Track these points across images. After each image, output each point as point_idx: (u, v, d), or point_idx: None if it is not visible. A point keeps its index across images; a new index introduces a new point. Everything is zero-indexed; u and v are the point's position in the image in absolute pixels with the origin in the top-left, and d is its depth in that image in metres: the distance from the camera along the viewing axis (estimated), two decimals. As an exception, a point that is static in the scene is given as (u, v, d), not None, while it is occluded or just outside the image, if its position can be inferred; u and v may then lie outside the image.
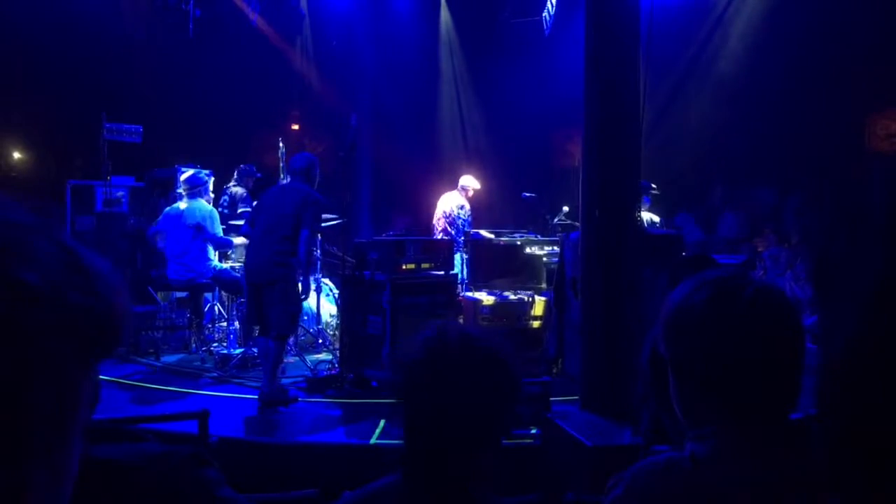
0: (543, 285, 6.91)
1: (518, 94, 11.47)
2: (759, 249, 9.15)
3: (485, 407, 1.34)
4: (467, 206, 8.72)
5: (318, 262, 7.30)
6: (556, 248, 6.82)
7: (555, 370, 6.18)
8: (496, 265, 7.10)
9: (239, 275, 6.72)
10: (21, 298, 0.53)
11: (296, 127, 12.66)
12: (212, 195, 7.43)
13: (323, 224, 6.85)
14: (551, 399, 4.52)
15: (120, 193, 8.64)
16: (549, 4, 10.34)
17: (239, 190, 8.05)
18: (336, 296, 7.30)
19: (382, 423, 4.97)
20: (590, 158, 4.41)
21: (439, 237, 8.28)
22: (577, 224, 5.28)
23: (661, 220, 8.22)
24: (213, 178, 7.41)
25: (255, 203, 6.66)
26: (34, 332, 0.54)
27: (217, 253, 7.05)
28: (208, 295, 7.34)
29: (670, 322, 1.25)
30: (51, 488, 0.57)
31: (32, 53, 10.01)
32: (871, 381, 0.58)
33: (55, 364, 0.56)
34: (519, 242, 7.20)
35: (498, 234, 7.69)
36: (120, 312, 0.61)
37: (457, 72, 12.76)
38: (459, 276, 7.20)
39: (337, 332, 6.80)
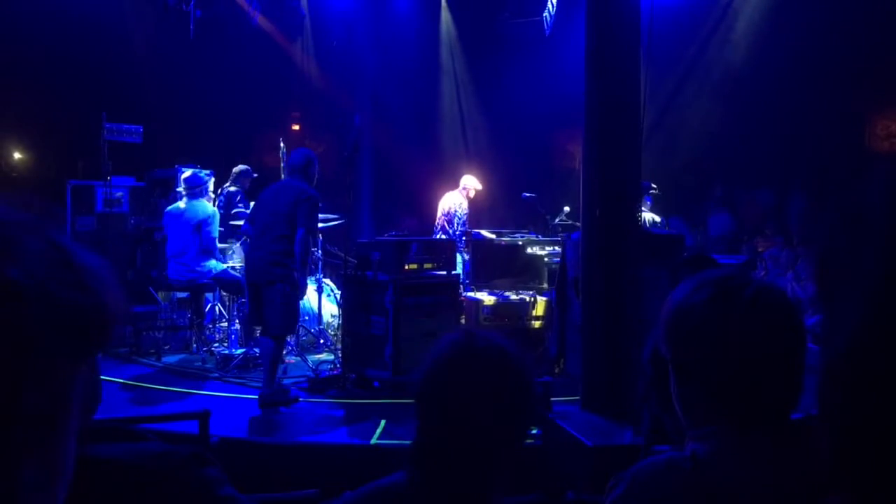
0: (545, 285, 6.90)
1: (519, 94, 11.46)
2: (760, 250, 9.14)
3: (506, 412, 1.35)
4: (465, 206, 8.75)
5: (320, 262, 7.29)
6: (557, 248, 6.82)
7: (557, 370, 6.18)
8: (497, 265, 7.10)
9: (239, 275, 6.72)
10: (3, 293, 0.53)
11: (296, 127, 12.65)
12: (212, 195, 7.43)
13: (324, 225, 6.86)
14: (553, 399, 4.51)
15: (119, 193, 8.64)
16: (549, 4, 10.34)
17: (234, 189, 8.05)
18: (337, 296, 7.30)
19: (383, 423, 4.97)
20: (590, 158, 4.41)
21: (439, 236, 8.29)
22: (578, 224, 5.27)
23: (662, 221, 8.22)
24: (213, 179, 7.41)
25: (252, 203, 6.66)
26: (18, 326, 0.54)
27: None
28: (209, 295, 7.34)
29: (671, 322, 1.25)
30: (44, 487, 0.57)
31: (33, 53, 10.02)
32: (872, 381, 0.58)
33: (43, 359, 0.55)
34: (520, 242, 7.20)
35: (499, 235, 7.69)
36: (111, 308, 0.61)
37: (457, 72, 12.76)
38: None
39: (338, 333, 6.80)
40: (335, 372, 6.16)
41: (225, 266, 7.06)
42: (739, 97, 10.10)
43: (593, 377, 4.39)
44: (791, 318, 1.21)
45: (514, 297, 6.70)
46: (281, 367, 6.10)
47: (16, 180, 11.79)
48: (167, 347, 7.23)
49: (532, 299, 6.64)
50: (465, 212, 8.75)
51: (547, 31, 10.52)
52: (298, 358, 6.64)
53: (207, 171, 7.30)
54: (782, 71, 9.62)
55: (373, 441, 4.69)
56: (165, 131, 9.52)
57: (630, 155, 4.40)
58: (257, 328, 5.90)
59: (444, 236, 8.37)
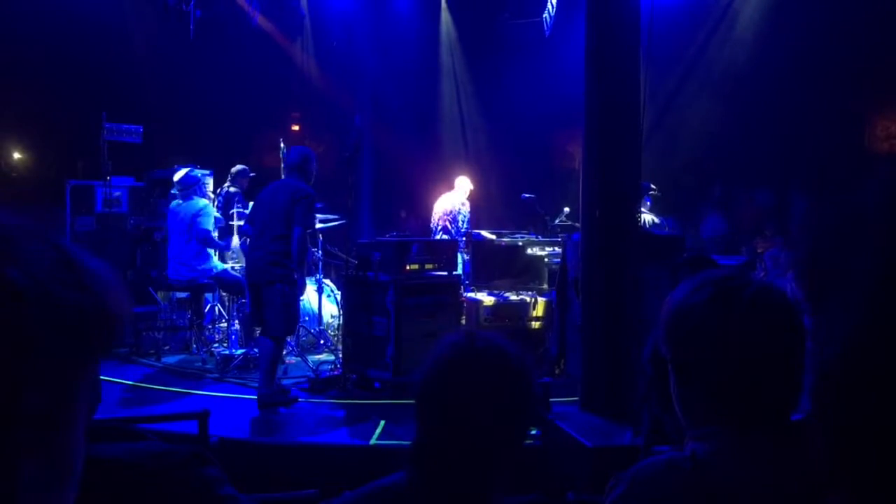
0: (545, 286, 6.90)
1: (519, 94, 11.47)
2: (760, 250, 9.14)
3: (506, 412, 1.35)
4: (468, 206, 8.79)
5: (320, 263, 7.29)
6: (557, 248, 6.82)
7: (557, 371, 6.18)
8: (498, 266, 7.10)
9: (239, 275, 6.72)
10: (3, 294, 0.53)
11: (296, 127, 12.65)
12: (211, 195, 7.42)
13: (325, 225, 6.86)
14: (553, 399, 4.51)
15: (119, 193, 8.64)
16: (549, 5, 10.34)
17: (233, 191, 8.04)
18: (337, 296, 7.30)
19: (382, 423, 4.98)
20: (590, 159, 4.41)
21: (439, 237, 8.30)
22: (578, 225, 5.28)
23: (661, 221, 8.22)
24: (211, 178, 7.40)
25: (250, 203, 6.65)
26: (18, 327, 0.54)
27: (217, 252, 7.04)
28: (209, 295, 7.33)
29: (671, 322, 1.25)
30: (49, 487, 0.57)
31: (33, 53, 10.02)
32: (867, 381, 0.58)
33: (43, 359, 0.55)
34: (520, 243, 7.20)
35: (499, 235, 7.69)
36: (113, 309, 0.61)
37: (457, 73, 12.76)
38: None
39: (338, 333, 6.79)
40: (335, 372, 6.16)
41: (225, 266, 7.06)
42: (739, 97, 10.10)
43: (593, 377, 4.39)
44: (791, 319, 1.21)
45: (514, 297, 6.69)
46: (281, 367, 6.10)
47: (16, 180, 11.79)
48: (167, 348, 7.23)
49: (532, 300, 6.64)
50: (469, 211, 8.78)
51: (547, 32, 10.53)
52: (299, 358, 6.64)
53: (206, 171, 7.29)
54: (782, 71, 9.62)
55: (372, 441, 4.69)
56: (165, 131, 9.53)
57: (630, 155, 4.40)
58: (257, 328, 5.90)
59: (444, 236, 8.38)
